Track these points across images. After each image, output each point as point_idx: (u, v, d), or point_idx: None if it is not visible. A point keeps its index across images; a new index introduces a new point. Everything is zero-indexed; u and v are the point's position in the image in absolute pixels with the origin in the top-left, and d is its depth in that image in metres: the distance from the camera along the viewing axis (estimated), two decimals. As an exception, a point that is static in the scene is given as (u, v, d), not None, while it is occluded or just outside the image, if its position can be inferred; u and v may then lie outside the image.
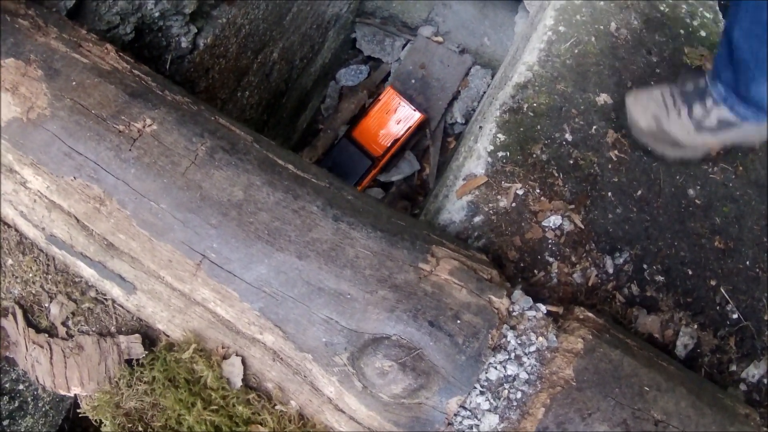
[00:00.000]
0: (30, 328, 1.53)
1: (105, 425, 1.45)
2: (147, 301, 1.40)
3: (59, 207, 1.45)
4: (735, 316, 1.64)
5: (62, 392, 1.54)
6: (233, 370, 1.35)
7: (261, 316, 1.32)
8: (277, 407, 1.36)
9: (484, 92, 2.69)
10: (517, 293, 1.40)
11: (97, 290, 1.47)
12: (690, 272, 1.64)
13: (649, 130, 1.62)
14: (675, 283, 1.63)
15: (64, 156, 1.43)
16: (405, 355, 1.29)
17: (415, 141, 3.06)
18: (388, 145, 3.06)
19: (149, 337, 1.43)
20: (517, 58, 1.91)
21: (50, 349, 1.50)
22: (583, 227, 1.60)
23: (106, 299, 1.46)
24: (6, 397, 2.31)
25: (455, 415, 1.36)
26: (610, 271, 1.62)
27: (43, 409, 2.57)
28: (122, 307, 1.44)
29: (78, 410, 1.62)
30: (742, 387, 1.65)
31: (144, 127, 1.43)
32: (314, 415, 1.35)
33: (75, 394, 1.54)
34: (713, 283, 1.65)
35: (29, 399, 2.44)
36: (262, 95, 2.62)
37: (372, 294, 1.31)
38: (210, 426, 1.35)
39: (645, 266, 1.63)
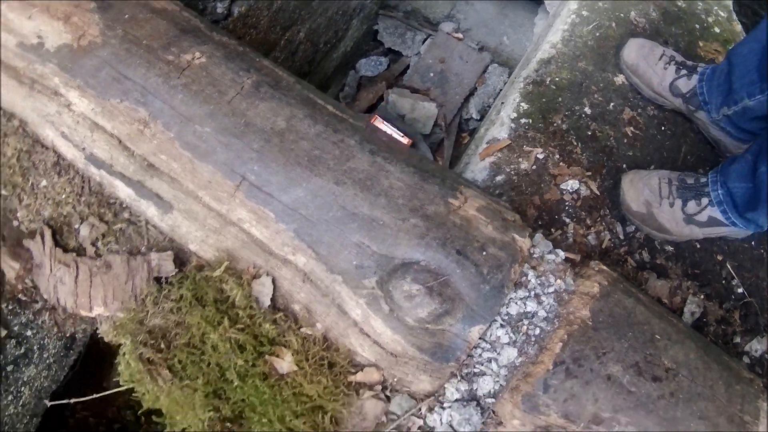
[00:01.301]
0: (57, 248, 1.69)
1: (125, 346, 1.60)
2: (182, 221, 1.57)
3: (102, 128, 1.63)
4: (740, 290, 1.86)
5: (84, 313, 1.68)
6: (263, 290, 1.52)
7: (295, 237, 1.50)
8: (302, 329, 1.52)
9: (500, 89, 2.95)
10: (538, 236, 1.61)
11: (131, 211, 1.64)
12: (698, 245, 1.87)
13: (638, 213, 1.76)
14: (684, 255, 1.85)
15: (112, 80, 1.62)
16: (432, 281, 1.48)
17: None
18: None
19: (180, 259, 1.60)
20: (538, 47, 2.17)
21: (76, 267, 1.65)
22: (598, 194, 1.82)
23: (139, 220, 1.63)
24: (13, 341, 2.41)
25: (474, 347, 1.54)
26: (622, 237, 1.83)
27: (48, 361, 2.66)
28: (156, 227, 1.61)
29: (97, 331, 1.77)
30: (745, 360, 1.85)
31: (193, 59, 1.64)
32: (338, 339, 1.52)
33: (96, 316, 1.69)
34: (720, 258, 1.87)
35: (35, 347, 2.54)
36: (287, 73, 2.88)
37: (404, 221, 1.50)
38: (234, 344, 1.51)
39: (655, 239, 1.85)
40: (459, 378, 1.49)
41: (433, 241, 1.45)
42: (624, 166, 1.83)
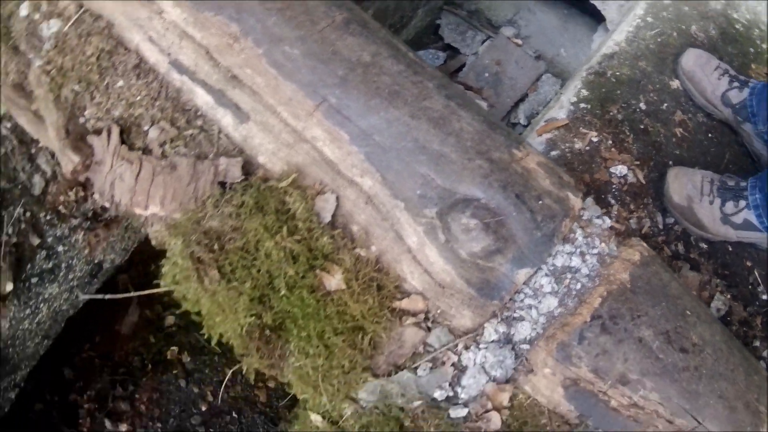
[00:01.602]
0: (123, 146, 1.79)
1: (174, 247, 1.68)
2: (257, 132, 1.68)
3: (191, 38, 1.75)
4: (764, 297, 1.97)
5: (137, 211, 1.77)
6: (325, 206, 1.61)
7: (365, 160, 1.61)
8: (356, 250, 1.61)
9: (551, 99, 3.10)
10: (589, 200, 1.72)
11: (205, 119, 1.75)
12: (730, 248, 1.98)
13: (679, 206, 1.89)
14: (716, 254, 1.96)
15: (209, -5, 1.76)
16: (490, 218, 1.58)
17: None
18: None
19: (246, 169, 1.70)
20: (599, 49, 2.34)
21: (140, 165, 1.73)
22: (644, 183, 1.94)
23: (211, 128, 1.73)
24: (44, 253, 2.47)
25: (517, 292, 1.63)
26: (661, 226, 1.95)
27: (72, 283, 2.73)
28: (228, 137, 1.71)
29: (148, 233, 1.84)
30: (762, 365, 1.95)
31: (289, -12, 1.78)
32: (390, 264, 1.61)
33: (150, 215, 1.77)
34: (749, 264, 1.98)
35: (63, 266, 2.62)
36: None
37: (469, 161, 1.61)
38: (288, 254, 1.59)
39: (692, 235, 1.98)
40: (499, 320, 1.58)
41: (495, 183, 1.57)
42: (670, 162, 1.96)
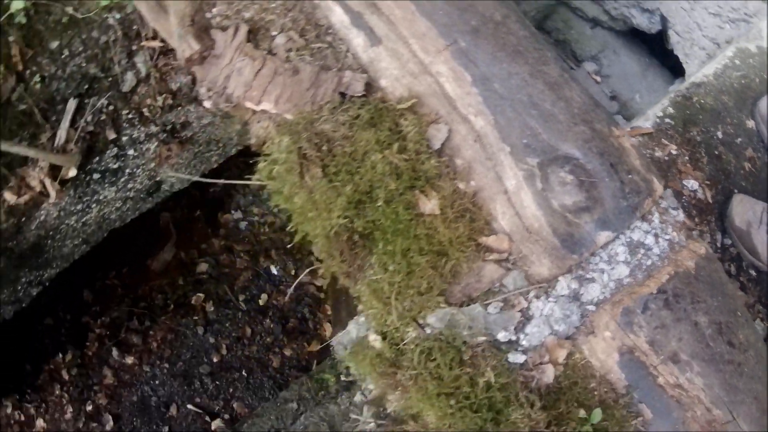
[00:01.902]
0: (248, 44, 1.92)
1: (280, 143, 1.79)
2: (385, 57, 1.82)
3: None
4: (800, 333, 2.09)
5: (248, 104, 1.87)
6: (437, 135, 1.74)
7: (482, 102, 1.75)
8: (456, 181, 1.74)
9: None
10: (668, 192, 1.86)
11: (335, 37, 1.88)
12: (777, 282, 2.12)
13: (739, 229, 2.03)
14: (763, 283, 2.09)
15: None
16: (585, 178, 1.71)
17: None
18: None
19: (367, 87, 1.83)
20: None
21: (263, 63, 1.85)
22: (710, 201, 2.09)
23: (340, 46, 1.87)
24: (115, 150, 2.56)
25: (593, 254, 1.75)
26: (719, 244, 2.08)
27: (128, 194, 2.81)
28: (355, 56, 1.84)
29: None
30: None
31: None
32: (485, 201, 1.73)
33: (260, 110, 1.88)
34: (791, 300, 2.12)
35: (127, 171, 2.70)
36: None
37: (575, 125, 1.76)
38: (393, 169, 1.71)
39: (744, 260, 2.12)
40: (573, 276, 1.70)
41: (594, 148, 1.71)
42: (735, 191, 2.11)
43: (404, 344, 1.71)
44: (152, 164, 2.66)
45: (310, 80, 1.76)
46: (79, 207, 2.69)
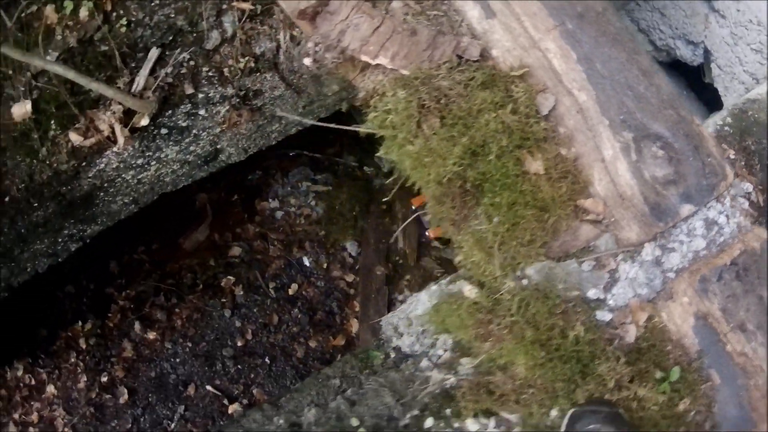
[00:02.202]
0: (366, 2, 2.06)
1: (399, 93, 1.92)
2: (498, 29, 1.97)
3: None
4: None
5: (364, 58, 1.98)
6: (545, 102, 1.91)
7: (586, 79, 1.92)
8: (559, 146, 1.90)
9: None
10: (738, 181, 2.06)
11: (450, 7, 2.03)
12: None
13: None
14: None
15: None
16: (673, 155, 1.90)
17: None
18: None
19: (481, 55, 1.99)
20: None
21: (381, 21, 1.97)
22: (762, 205, 2.31)
23: (455, 16, 2.02)
24: (188, 107, 2.63)
25: (674, 226, 1.92)
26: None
27: (187, 157, 2.89)
28: (469, 27, 1.96)
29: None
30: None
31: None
32: (584, 167, 1.88)
33: (376, 64, 2.01)
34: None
35: (193, 132, 2.78)
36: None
37: (664, 109, 1.94)
38: (505, 127, 1.85)
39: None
40: (657, 243, 1.86)
41: (680, 131, 1.90)
42: (781, 199, 2.34)
43: (501, 294, 1.83)
44: (218, 129, 2.75)
45: (427, 42, 1.92)
46: (139, 161, 2.74)
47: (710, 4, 2.65)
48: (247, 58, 2.51)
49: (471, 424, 1.89)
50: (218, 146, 2.89)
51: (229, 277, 3.91)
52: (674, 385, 1.83)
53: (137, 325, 3.74)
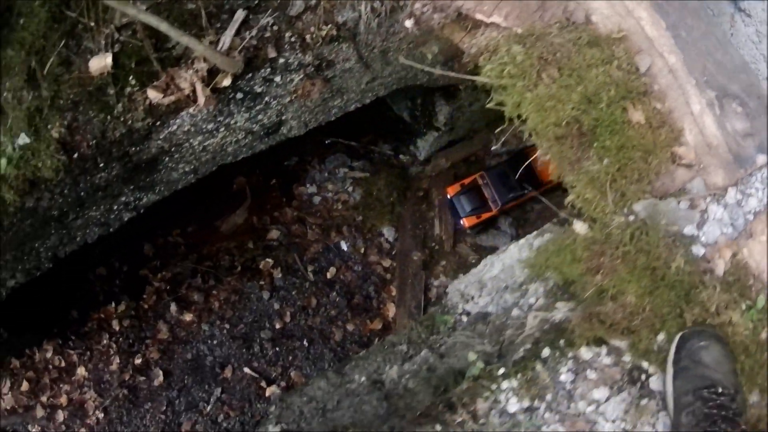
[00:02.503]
0: None
1: (514, 48, 2.13)
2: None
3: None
4: None
5: (479, 17, 2.16)
6: (642, 62, 2.15)
7: (674, 44, 2.18)
8: (654, 102, 2.15)
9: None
10: None
11: None
12: None
13: None
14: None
15: None
16: (749, 111, 2.18)
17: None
18: (550, 179, 4.16)
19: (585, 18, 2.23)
20: None
21: None
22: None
23: None
24: (267, 71, 2.73)
25: (751, 174, 2.18)
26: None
27: (253, 126, 3.01)
28: None
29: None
30: None
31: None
32: (676, 119, 2.13)
33: (491, 22, 2.22)
34: None
35: (265, 99, 2.88)
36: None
37: (736, 75, 2.19)
38: (612, 80, 2.07)
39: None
40: (738, 188, 2.12)
41: (753, 93, 2.19)
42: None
43: (610, 229, 2.04)
44: (288, 99, 2.85)
45: (537, 5, 2.15)
46: (210, 126, 2.79)
47: (737, 4, 3.01)
48: (329, 26, 2.62)
49: (585, 352, 2.05)
50: (283, 117, 2.98)
51: (267, 259, 3.95)
52: (759, 314, 2.06)
53: (173, 307, 3.71)
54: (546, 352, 2.07)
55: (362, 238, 4.11)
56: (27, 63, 2.48)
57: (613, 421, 2.02)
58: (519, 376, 2.04)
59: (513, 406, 2.01)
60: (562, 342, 2.08)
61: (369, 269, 4.01)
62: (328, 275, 3.98)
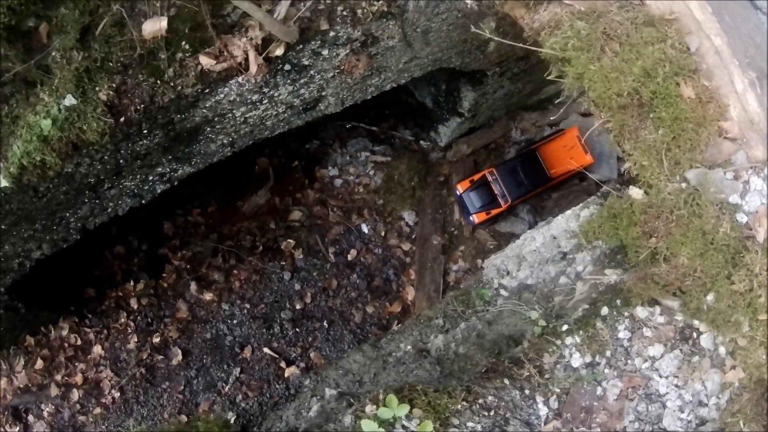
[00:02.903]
0: None
1: (578, 23, 2.27)
2: None
3: None
4: None
5: None
6: (692, 41, 2.31)
7: (720, 28, 2.34)
8: (702, 80, 2.32)
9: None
10: None
11: None
12: None
13: None
14: None
15: None
16: None
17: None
18: (561, 174, 4.37)
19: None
20: None
21: None
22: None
23: None
24: (317, 44, 2.82)
25: None
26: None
27: (294, 100, 3.10)
28: None
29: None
30: None
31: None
32: (721, 96, 2.30)
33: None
34: None
35: (310, 73, 2.96)
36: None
37: None
38: (666, 57, 2.25)
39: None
40: (777, 163, 2.31)
41: (789, 77, 2.40)
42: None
43: (666, 194, 2.19)
44: (331, 74, 2.92)
45: (597, -14, 2.31)
46: (255, 97, 2.83)
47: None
48: (380, 2, 2.71)
49: (640, 311, 2.18)
50: (323, 93, 3.03)
51: (289, 240, 3.97)
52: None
53: (193, 286, 3.69)
54: (605, 310, 2.20)
55: (383, 222, 4.19)
56: (79, 23, 2.49)
57: (667, 377, 2.15)
58: (581, 332, 2.16)
59: (576, 360, 2.12)
60: (618, 302, 2.21)
61: (389, 252, 4.08)
62: (349, 257, 4.04)
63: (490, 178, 4.39)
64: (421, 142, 4.55)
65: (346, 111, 3.41)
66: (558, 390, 2.10)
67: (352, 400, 2.10)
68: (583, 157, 4.43)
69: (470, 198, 4.34)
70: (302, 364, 3.65)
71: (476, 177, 4.42)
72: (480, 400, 1.99)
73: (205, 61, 2.61)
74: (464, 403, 1.94)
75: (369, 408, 1.91)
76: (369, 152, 4.33)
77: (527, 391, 2.06)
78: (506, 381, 2.09)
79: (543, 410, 2.05)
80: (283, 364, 3.64)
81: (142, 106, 2.62)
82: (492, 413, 1.97)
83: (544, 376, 2.11)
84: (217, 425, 1.76)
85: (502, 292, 2.78)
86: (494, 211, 4.40)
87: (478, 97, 3.90)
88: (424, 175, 4.38)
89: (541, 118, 4.51)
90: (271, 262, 3.88)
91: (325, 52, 2.77)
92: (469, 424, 1.90)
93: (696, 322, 2.20)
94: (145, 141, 2.74)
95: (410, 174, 4.32)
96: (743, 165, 2.27)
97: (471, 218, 4.39)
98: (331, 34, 2.72)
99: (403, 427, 1.83)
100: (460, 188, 4.33)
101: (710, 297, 2.18)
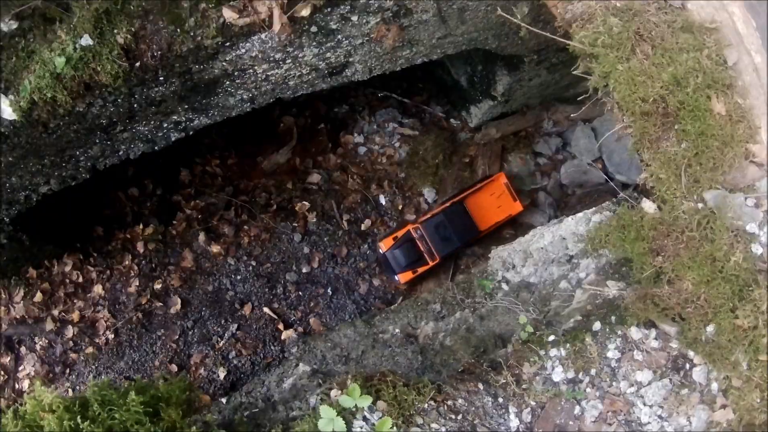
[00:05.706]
0: None
1: (612, 20, 2.21)
2: None
3: None
4: None
5: None
6: (731, 55, 2.25)
7: (762, 44, 2.24)
8: (736, 97, 2.27)
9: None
10: None
11: None
12: None
13: None
14: None
15: None
16: None
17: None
18: (490, 225, 4.29)
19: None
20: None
21: None
22: None
23: None
24: (347, 8, 2.79)
25: None
26: None
27: (319, 63, 3.11)
28: None
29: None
30: None
31: None
32: (754, 117, 2.21)
33: None
34: None
35: (338, 37, 2.98)
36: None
37: None
38: (700, 67, 2.16)
39: None
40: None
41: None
42: None
43: (679, 212, 2.16)
44: (359, 41, 2.92)
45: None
46: (278, 56, 2.85)
47: None
48: None
49: (634, 331, 2.18)
50: (350, 59, 3.04)
51: (304, 202, 4.05)
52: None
53: (202, 237, 3.81)
54: (597, 325, 2.20)
55: (402, 196, 4.23)
56: (103, -38, 2.54)
57: (651, 406, 2.16)
58: (568, 345, 2.18)
59: (558, 374, 2.15)
60: (613, 318, 2.22)
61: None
62: (363, 227, 4.10)
63: (415, 235, 4.23)
64: (452, 120, 4.54)
65: (379, 80, 3.42)
66: (533, 403, 2.13)
67: (321, 381, 2.18)
68: (512, 204, 4.38)
69: (394, 256, 4.18)
70: (300, 329, 3.75)
71: (399, 233, 4.25)
72: (449, 402, 2.03)
73: (228, 14, 2.65)
74: (432, 402, 2.00)
75: (334, 392, 1.98)
76: (397, 123, 4.33)
77: (501, 400, 2.10)
78: (480, 385, 2.13)
79: (514, 422, 2.08)
80: (281, 326, 3.75)
81: (159, 53, 2.67)
82: (460, 417, 2.02)
83: (521, 386, 2.14)
84: (179, 387, 1.85)
85: (504, 285, 2.80)
86: (421, 269, 4.26)
87: (513, 82, 3.85)
88: (449, 154, 4.37)
89: (575, 112, 4.47)
90: (283, 222, 3.96)
91: (354, 18, 2.79)
92: (434, 425, 1.95)
93: (691, 353, 2.19)
94: (160, 88, 2.81)
95: (435, 151, 4.31)
96: (767, 193, 2.23)
97: (396, 278, 4.23)
98: (362, 0, 2.72)
99: (365, 418, 1.90)
100: (383, 246, 4.19)
101: (710, 328, 2.17)
